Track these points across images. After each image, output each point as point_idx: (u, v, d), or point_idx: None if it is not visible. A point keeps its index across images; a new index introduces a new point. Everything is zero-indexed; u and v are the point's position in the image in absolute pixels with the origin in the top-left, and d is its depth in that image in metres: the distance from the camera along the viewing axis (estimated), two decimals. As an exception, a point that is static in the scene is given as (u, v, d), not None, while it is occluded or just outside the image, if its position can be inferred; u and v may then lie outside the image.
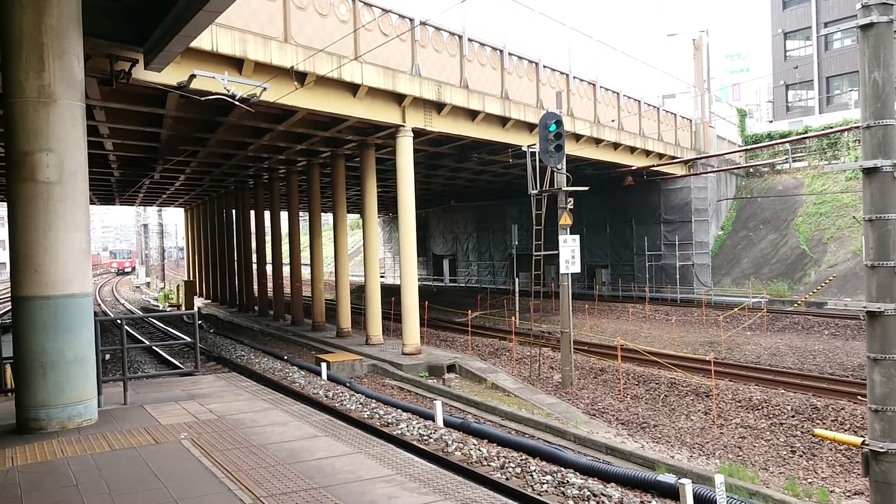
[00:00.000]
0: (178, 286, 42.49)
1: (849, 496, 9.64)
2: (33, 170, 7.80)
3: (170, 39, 10.72)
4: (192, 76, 13.03)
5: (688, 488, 8.15)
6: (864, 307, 7.37)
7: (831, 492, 9.73)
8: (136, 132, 20.56)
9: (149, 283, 67.01)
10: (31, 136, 7.81)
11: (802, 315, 26.18)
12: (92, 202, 41.33)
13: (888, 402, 7.17)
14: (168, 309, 40.43)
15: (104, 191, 37.67)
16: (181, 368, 17.51)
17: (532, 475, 9.03)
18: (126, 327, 10.83)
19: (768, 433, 12.69)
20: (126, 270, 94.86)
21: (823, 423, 12.66)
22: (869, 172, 7.18)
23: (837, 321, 24.26)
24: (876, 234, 7.12)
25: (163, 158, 24.98)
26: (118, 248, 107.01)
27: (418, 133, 20.10)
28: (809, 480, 10.47)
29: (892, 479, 7.21)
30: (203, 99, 14.00)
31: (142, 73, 12.80)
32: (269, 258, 35.45)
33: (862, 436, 7.68)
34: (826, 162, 37.00)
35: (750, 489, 9.24)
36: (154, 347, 21.37)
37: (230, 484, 5.88)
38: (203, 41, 13.19)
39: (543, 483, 8.72)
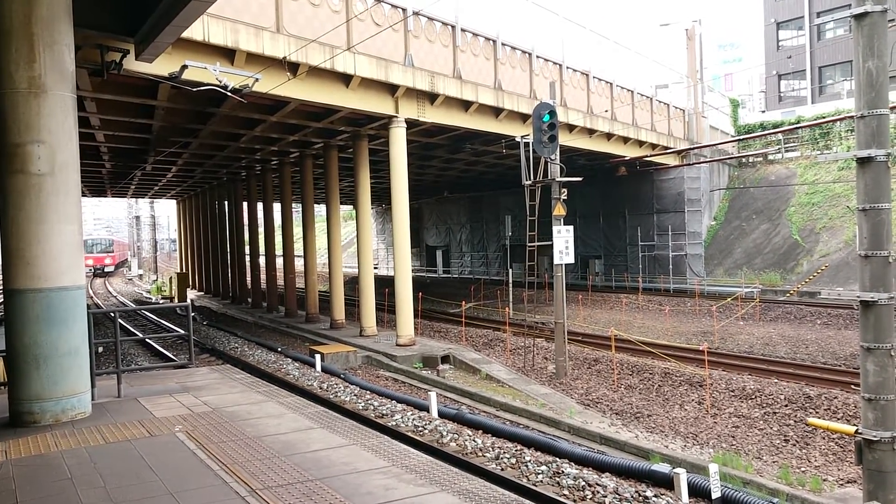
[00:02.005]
0: (170, 278, 42.36)
1: (842, 484, 9.70)
2: (24, 162, 7.74)
3: (161, 30, 10.64)
4: (184, 67, 12.94)
5: (682, 478, 8.18)
6: (858, 297, 7.39)
7: (824, 480, 9.78)
8: (127, 123, 20.43)
9: (141, 275, 66.79)
10: (21, 127, 7.74)
11: (795, 305, 26.29)
12: (83, 194, 41.13)
13: (881, 390, 7.20)
14: (161, 301, 40.31)
15: (95, 183, 37.48)
16: (175, 361, 17.49)
17: (527, 465, 9.06)
18: (119, 320, 10.78)
19: (762, 422, 12.75)
20: (106, 270, 67.67)
21: (816, 413, 12.73)
22: (863, 162, 7.18)
23: (830, 311, 24.37)
24: (870, 224, 7.14)
25: (154, 150, 24.85)
26: (95, 236, 73.04)
27: (411, 124, 20.04)
28: (803, 469, 10.53)
29: (885, 467, 7.25)
30: (195, 90, 13.92)
31: (133, 64, 12.70)
32: (262, 250, 35.38)
33: (855, 425, 7.72)
34: (819, 152, 37.08)
35: (744, 478, 9.28)
36: (147, 340, 21.35)
37: (225, 476, 5.86)
38: (195, 31, 13.09)
39: (538, 473, 8.75)
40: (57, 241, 7.92)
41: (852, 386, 13.52)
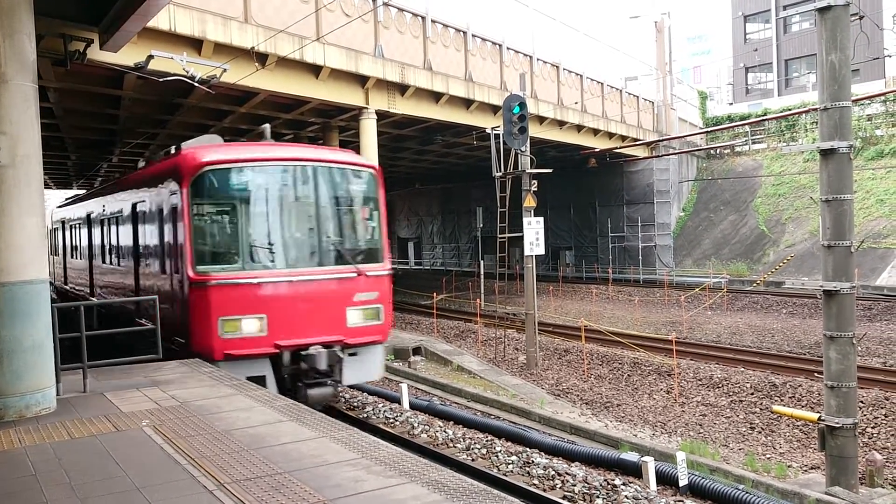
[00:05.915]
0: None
1: (805, 470, 9.89)
2: (-16, 153, 7.57)
3: (126, 19, 10.43)
4: (150, 57, 12.72)
5: (650, 466, 8.29)
6: (821, 286, 7.52)
7: (789, 466, 9.97)
8: (92, 114, 20.06)
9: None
10: (-19, 118, 7.56)
11: (761, 294, 26.71)
12: (48, 186, 40.39)
13: (843, 378, 7.34)
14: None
15: (60, 175, 36.79)
16: (142, 355, 17.24)
17: (498, 456, 9.10)
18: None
19: (728, 410, 12.95)
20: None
21: (781, 400, 12.96)
22: (826, 154, 7.30)
23: (795, 300, 24.80)
24: (832, 215, 7.26)
25: (121, 141, 24.46)
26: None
27: (382, 115, 19.93)
28: (768, 456, 10.72)
29: (846, 452, 7.40)
30: (162, 80, 13.68)
31: (97, 54, 12.45)
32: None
33: (818, 412, 7.87)
34: (784, 144, 37.63)
35: (710, 465, 9.42)
36: (115, 334, 20.98)
37: (193, 471, 5.81)
38: (161, 21, 12.88)
39: (509, 463, 8.80)
40: (19, 234, 7.76)
41: (816, 374, 13.78)
